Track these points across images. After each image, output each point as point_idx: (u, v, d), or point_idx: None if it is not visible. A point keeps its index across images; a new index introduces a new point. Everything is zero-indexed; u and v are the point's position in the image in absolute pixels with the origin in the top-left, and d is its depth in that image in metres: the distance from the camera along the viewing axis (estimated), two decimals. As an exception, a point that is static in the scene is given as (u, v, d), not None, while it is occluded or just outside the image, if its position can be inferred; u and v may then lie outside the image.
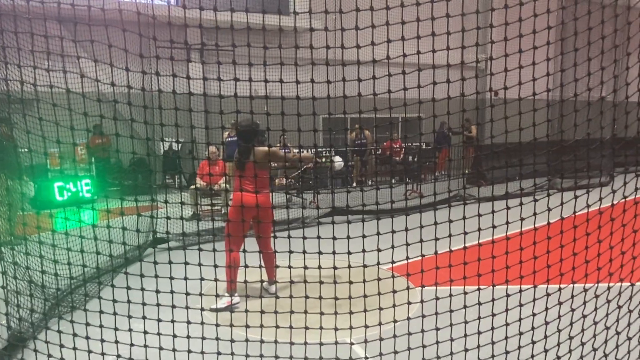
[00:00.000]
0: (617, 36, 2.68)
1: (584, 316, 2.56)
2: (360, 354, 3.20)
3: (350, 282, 2.58)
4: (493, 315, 2.55)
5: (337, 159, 5.40)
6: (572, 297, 2.57)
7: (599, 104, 2.62)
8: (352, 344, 3.06)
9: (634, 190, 2.52)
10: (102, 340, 2.56)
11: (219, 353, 2.56)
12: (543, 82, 2.47)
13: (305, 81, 2.47)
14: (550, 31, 2.50)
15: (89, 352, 2.58)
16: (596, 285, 2.54)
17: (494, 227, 2.45)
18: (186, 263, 2.51)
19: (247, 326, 2.51)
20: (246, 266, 2.63)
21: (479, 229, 2.46)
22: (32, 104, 2.81)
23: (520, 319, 2.53)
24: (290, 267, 2.56)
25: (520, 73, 2.40)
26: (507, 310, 2.55)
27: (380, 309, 2.54)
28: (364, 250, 2.48)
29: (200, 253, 2.55)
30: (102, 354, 2.55)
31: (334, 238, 2.49)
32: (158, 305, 2.51)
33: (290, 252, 2.57)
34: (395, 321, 2.59)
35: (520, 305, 2.53)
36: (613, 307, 2.61)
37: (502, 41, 2.42)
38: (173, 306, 2.49)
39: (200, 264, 2.51)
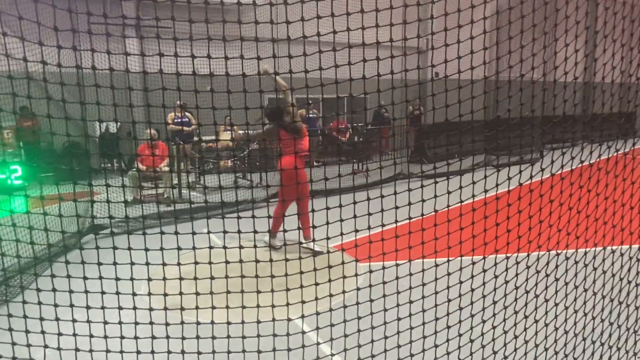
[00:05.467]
0: (537, 15, 2.81)
1: (506, 282, 2.73)
2: (299, 329, 3.26)
3: (286, 260, 2.60)
4: (423, 285, 2.67)
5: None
6: (495, 265, 2.73)
7: (527, 83, 2.75)
8: (289, 320, 3.11)
9: (560, 168, 2.69)
10: (27, 332, 2.44)
11: (153, 337, 2.52)
12: (480, 61, 2.56)
13: (251, 57, 2.41)
14: (487, 12, 2.57)
15: (29, 345, 2.44)
16: (517, 254, 2.72)
17: (423, 200, 2.54)
18: (114, 248, 2.43)
19: (182, 309, 2.48)
20: (194, 248, 2.58)
21: (409, 204, 2.55)
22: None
23: (448, 287, 2.67)
24: (225, 247, 2.54)
25: (459, 50, 2.45)
26: (435, 280, 2.68)
27: (317, 284, 2.59)
28: (299, 228, 2.50)
29: (129, 237, 2.47)
30: (45, 346, 2.44)
31: (284, 216, 2.49)
32: (86, 292, 2.41)
33: (240, 232, 2.54)
34: (331, 295, 2.65)
35: (448, 274, 2.67)
36: (532, 273, 2.81)
37: (441, 16, 2.46)
38: (102, 292, 2.41)
39: (129, 249, 2.43)
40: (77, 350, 2.45)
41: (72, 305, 2.44)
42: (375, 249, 2.59)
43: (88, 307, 2.44)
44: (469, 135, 2.97)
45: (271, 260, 2.64)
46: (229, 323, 2.57)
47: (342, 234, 2.64)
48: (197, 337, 2.52)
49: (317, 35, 2.42)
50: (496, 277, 2.73)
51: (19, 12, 2.27)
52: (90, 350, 2.45)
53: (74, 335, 2.42)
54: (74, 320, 2.45)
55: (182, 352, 2.51)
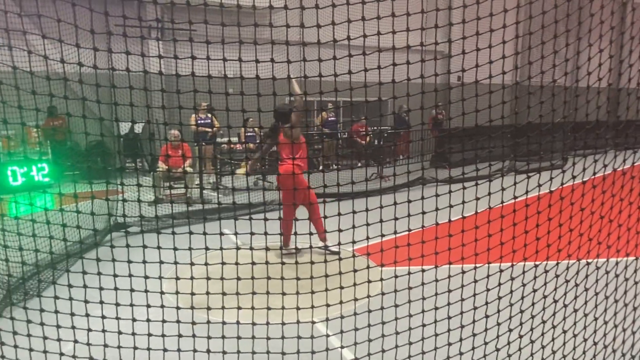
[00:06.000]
0: (570, 20, 2.76)
1: (534, 291, 2.68)
2: (323, 332, 3.25)
3: (312, 263, 2.60)
4: (449, 291, 2.64)
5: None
6: (524, 272, 2.69)
7: (560, 88, 2.70)
8: (313, 322, 3.11)
9: (582, 171, 2.64)
10: (58, 326, 2.50)
11: (180, 336, 2.55)
12: (508, 67, 2.53)
13: (265, 60, 2.44)
14: (509, 17, 2.55)
15: (44, 338, 2.51)
16: (546, 262, 2.67)
17: (450, 206, 2.52)
18: (145, 247, 2.47)
19: (208, 308, 2.50)
20: (207, 249, 2.60)
21: (437, 209, 2.53)
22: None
23: (474, 295, 2.64)
24: (252, 248, 2.56)
25: (478, 55, 2.44)
26: (462, 286, 2.64)
27: (341, 288, 2.58)
28: (324, 232, 2.50)
29: (158, 236, 2.51)
30: (59, 339, 2.49)
31: (296, 219, 2.50)
32: (116, 289, 2.46)
33: (252, 234, 2.57)
34: (355, 300, 2.64)
35: (475, 281, 2.63)
36: (561, 282, 2.75)
37: (460, 23, 2.46)
38: (131, 290, 2.45)
39: (158, 247, 2.47)
40: (105, 346, 2.49)
41: (86, 301, 2.49)
42: (400, 254, 2.57)
43: (102, 303, 2.48)
44: (494, 141, 2.93)
45: (297, 263, 2.64)
46: (254, 324, 2.58)
47: (367, 238, 2.63)
48: (223, 337, 2.54)
49: (347, 39, 2.43)
50: (524, 285, 2.68)
51: (57, 15, 2.34)
52: (119, 347, 2.50)
53: (103, 331, 2.47)
54: (86, 316, 2.50)
55: (208, 351, 2.53)
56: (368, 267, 2.70)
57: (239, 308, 2.58)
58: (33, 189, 8.04)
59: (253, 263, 2.57)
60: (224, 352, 2.54)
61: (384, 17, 2.46)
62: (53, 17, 2.30)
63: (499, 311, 2.66)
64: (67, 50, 2.29)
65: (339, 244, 2.55)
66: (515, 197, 2.55)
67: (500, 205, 2.56)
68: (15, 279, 3.56)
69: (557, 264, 2.71)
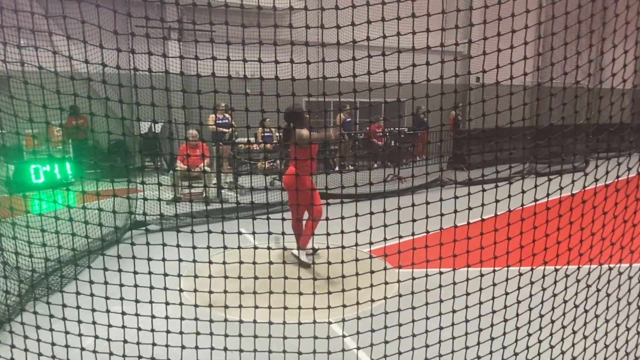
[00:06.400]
0: (594, 21, 2.72)
1: (554, 295, 2.64)
2: (339, 333, 3.25)
3: (329, 263, 2.61)
4: (467, 294, 2.62)
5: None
6: (544, 277, 2.65)
7: (582, 90, 2.66)
8: (329, 323, 3.11)
9: (604, 174, 2.59)
10: (80, 322, 2.55)
11: (197, 333, 2.58)
12: (529, 68, 2.50)
13: (284, 61, 2.46)
14: (531, 18, 2.52)
15: (66, 333, 2.56)
16: (566, 266, 2.62)
17: (469, 208, 2.50)
18: (164, 244, 2.50)
19: (225, 306, 2.52)
20: (225, 247, 2.63)
21: (455, 211, 2.50)
22: (4, 83, 2.73)
23: (493, 298, 2.60)
24: (269, 248, 2.58)
25: (498, 57, 2.42)
26: (480, 290, 2.62)
27: (358, 289, 2.58)
28: (342, 232, 2.50)
29: (178, 235, 2.54)
30: (80, 335, 2.54)
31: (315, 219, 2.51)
32: (136, 286, 2.50)
33: (270, 233, 2.58)
34: (372, 301, 2.63)
35: (494, 285, 2.60)
36: (582, 287, 2.70)
37: (481, 24, 2.43)
38: (151, 287, 2.48)
39: (178, 245, 2.50)
40: (125, 342, 2.53)
41: (107, 297, 2.53)
42: (417, 256, 2.56)
43: (122, 299, 2.52)
44: (514, 143, 2.89)
45: (314, 263, 2.65)
46: (270, 323, 2.60)
47: (385, 239, 2.62)
48: (240, 335, 2.56)
49: (366, 40, 2.43)
50: (544, 289, 2.64)
51: (82, 16, 2.39)
52: (138, 343, 2.53)
53: (123, 327, 2.51)
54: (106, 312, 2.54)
55: (225, 349, 2.55)
56: (385, 269, 2.69)
57: (255, 307, 2.60)
58: (55, 187, 8.22)
59: (270, 262, 2.58)
60: (241, 350, 2.56)
61: (404, 18, 2.45)
62: (77, 18, 2.35)
63: (517, 315, 2.62)
64: (89, 51, 2.34)
65: (328, 246, 2.54)
66: (535, 200, 2.52)
67: (520, 207, 2.53)
68: (37, 275, 3.64)
69: (578, 268, 2.66)
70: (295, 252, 4.79)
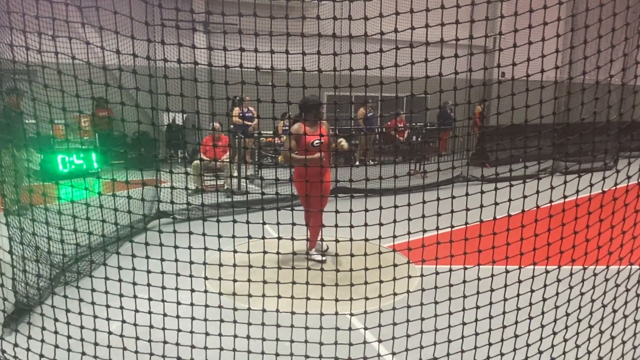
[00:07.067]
0: (629, 14, 2.63)
1: (582, 294, 2.59)
2: (359, 325, 3.26)
3: (352, 255, 2.61)
4: (492, 290, 2.59)
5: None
6: (571, 275, 2.60)
7: (621, 84, 2.58)
8: (352, 314, 3.12)
9: (637, 171, 2.52)
10: (108, 306, 2.62)
11: (221, 321, 2.62)
12: (552, 62, 2.45)
13: (311, 52, 2.46)
14: (561, 10, 2.46)
15: (95, 317, 2.64)
16: (595, 265, 2.57)
17: (496, 204, 2.47)
18: (190, 233, 2.54)
19: (249, 295, 2.56)
20: (250, 237, 2.66)
21: (481, 206, 2.48)
22: (36, 73, 2.80)
23: (518, 295, 2.57)
24: (292, 239, 2.60)
25: (530, 51, 2.37)
26: (505, 286, 2.58)
27: (381, 282, 2.58)
28: (365, 225, 2.50)
29: (204, 223, 2.58)
30: (107, 319, 2.61)
31: (337, 212, 2.51)
32: (162, 273, 2.55)
33: (293, 224, 2.60)
34: (395, 294, 2.63)
35: (519, 282, 2.57)
36: (611, 286, 2.65)
37: (511, 16, 2.39)
38: (177, 274, 2.53)
39: (204, 234, 2.54)
40: (151, 327, 2.59)
41: (134, 283, 2.58)
42: (441, 252, 2.54)
43: (149, 285, 2.57)
44: (542, 140, 2.84)
45: (337, 255, 2.66)
46: (293, 313, 2.62)
47: (409, 232, 2.61)
48: (262, 324, 2.59)
49: (380, 34, 2.41)
50: (571, 287, 2.59)
51: (114, 7, 2.44)
52: (164, 329, 2.59)
53: (149, 312, 2.57)
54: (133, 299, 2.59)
55: (248, 337, 2.59)
56: (409, 262, 2.68)
57: (278, 297, 2.63)
58: (80, 176, 8.42)
59: (294, 253, 2.60)
60: (264, 339, 2.59)
61: (433, 10, 2.43)
62: (110, 9, 2.39)
63: (543, 313, 2.59)
64: (117, 41, 2.38)
65: (352, 239, 2.54)
66: (565, 197, 2.47)
67: (549, 204, 2.48)
68: (67, 259, 3.75)
69: (607, 267, 2.61)
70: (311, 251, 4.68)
